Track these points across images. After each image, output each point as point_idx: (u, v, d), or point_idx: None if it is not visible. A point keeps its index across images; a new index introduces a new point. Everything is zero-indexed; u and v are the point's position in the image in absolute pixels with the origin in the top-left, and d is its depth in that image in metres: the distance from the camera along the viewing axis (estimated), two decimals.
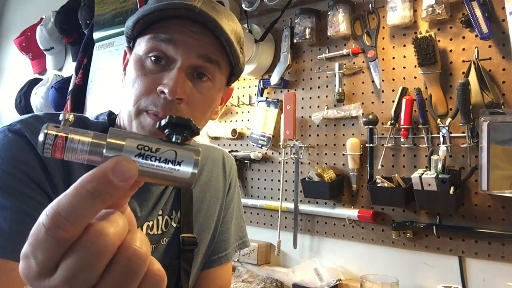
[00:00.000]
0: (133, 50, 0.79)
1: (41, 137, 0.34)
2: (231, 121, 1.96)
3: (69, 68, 2.83)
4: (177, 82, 0.72)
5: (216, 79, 0.78)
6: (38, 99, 2.78)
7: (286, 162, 1.73)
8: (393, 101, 1.46)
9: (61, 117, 0.36)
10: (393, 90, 1.49)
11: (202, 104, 0.77)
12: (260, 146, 1.79)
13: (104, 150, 0.34)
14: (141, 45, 0.76)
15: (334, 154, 1.62)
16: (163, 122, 0.37)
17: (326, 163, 1.64)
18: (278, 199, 1.73)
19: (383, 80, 1.51)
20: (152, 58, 0.74)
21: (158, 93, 0.73)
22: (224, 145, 1.95)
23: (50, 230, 0.31)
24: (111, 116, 0.84)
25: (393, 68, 1.49)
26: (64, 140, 0.34)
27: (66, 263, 0.31)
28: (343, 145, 1.57)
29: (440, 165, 1.29)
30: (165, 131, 0.37)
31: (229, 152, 1.72)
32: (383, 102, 1.51)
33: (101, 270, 0.32)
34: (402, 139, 1.42)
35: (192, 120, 0.38)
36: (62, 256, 0.32)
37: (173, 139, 0.37)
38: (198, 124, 0.80)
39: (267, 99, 1.81)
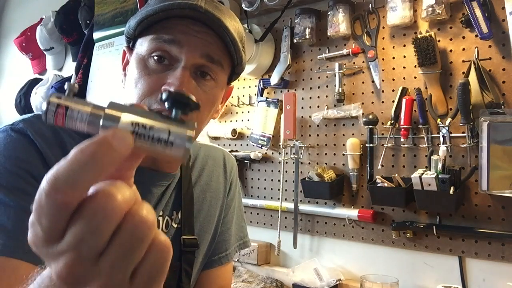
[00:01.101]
0: (134, 50, 0.78)
1: (44, 106, 0.36)
2: (231, 121, 1.96)
3: (69, 68, 2.83)
4: (183, 81, 0.72)
5: (219, 78, 0.79)
6: (38, 99, 2.77)
7: (286, 162, 1.73)
8: (393, 101, 1.46)
9: (66, 87, 0.37)
10: (393, 90, 1.49)
11: (207, 103, 0.78)
12: (260, 146, 1.79)
13: (101, 121, 0.36)
14: (143, 45, 0.76)
15: (334, 154, 1.62)
16: (164, 95, 0.39)
17: (326, 163, 1.64)
18: (278, 199, 1.73)
19: (383, 80, 1.51)
20: (155, 58, 0.74)
21: (162, 92, 0.72)
22: (224, 145, 1.95)
23: (50, 194, 0.31)
24: None
25: (393, 68, 1.49)
26: (64, 110, 0.36)
27: (73, 228, 0.31)
28: (343, 145, 1.57)
29: (440, 165, 1.29)
30: (165, 105, 0.39)
31: (229, 152, 1.72)
32: (383, 102, 1.51)
33: (109, 236, 0.32)
34: (402, 139, 1.42)
35: (191, 97, 0.39)
36: (68, 222, 0.32)
37: (173, 113, 0.38)
38: (202, 124, 0.80)
39: (267, 99, 1.81)
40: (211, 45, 0.75)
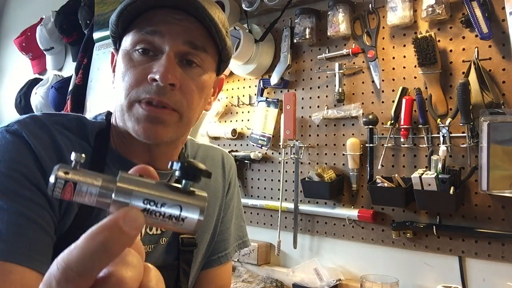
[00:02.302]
0: (120, 48, 0.79)
1: (52, 179, 0.35)
2: (231, 121, 1.96)
3: (69, 68, 2.83)
4: (168, 68, 0.72)
5: (205, 64, 0.78)
6: (38, 99, 2.77)
7: (286, 162, 1.73)
8: (393, 101, 1.46)
9: (72, 157, 0.36)
10: (393, 90, 1.49)
11: (196, 90, 0.77)
12: (260, 146, 1.79)
13: (113, 196, 0.35)
14: (127, 40, 0.77)
15: (334, 154, 1.62)
16: (175, 165, 0.37)
17: (326, 163, 1.64)
18: (278, 199, 1.73)
19: (383, 80, 1.51)
20: (140, 51, 0.74)
21: (149, 82, 0.73)
22: (224, 145, 1.95)
23: (61, 283, 0.30)
24: (109, 116, 0.84)
25: (393, 68, 1.49)
26: (73, 185, 0.35)
27: None
28: (343, 145, 1.57)
29: (440, 165, 1.29)
30: (175, 174, 0.38)
31: (229, 152, 1.72)
32: (383, 102, 1.51)
33: None
34: (402, 139, 1.42)
35: (200, 166, 0.38)
36: None
37: (183, 184, 0.37)
38: (194, 111, 0.79)
39: (267, 99, 1.81)
40: (194, 32, 0.75)
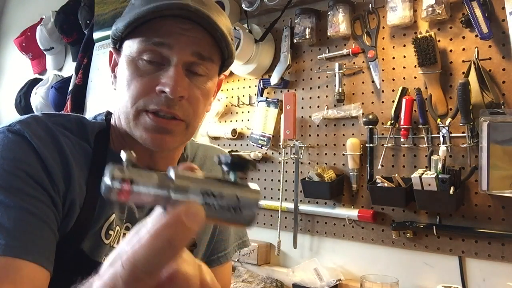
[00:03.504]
0: (122, 52, 0.78)
1: (107, 180, 0.34)
2: (231, 121, 1.96)
3: (69, 68, 2.83)
4: (177, 80, 0.72)
5: (210, 72, 0.79)
6: (38, 99, 2.77)
7: (286, 162, 1.73)
8: (393, 101, 1.46)
9: (123, 157, 0.35)
10: (393, 90, 1.49)
11: (201, 98, 0.78)
12: (260, 146, 1.79)
13: (172, 194, 0.35)
14: (132, 46, 0.76)
15: (334, 154, 1.62)
16: (223, 159, 0.38)
17: (326, 163, 1.64)
18: (278, 199, 1.73)
19: (383, 80, 1.51)
20: (146, 59, 0.74)
21: (157, 93, 0.73)
22: (224, 145, 1.95)
23: (129, 283, 0.31)
24: (109, 116, 0.84)
25: (393, 68, 1.49)
26: (130, 184, 0.34)
27: None
28: (343, 145, 1.57)
29: (440, 165, 1.29)
30: (222, 167, 0.38)
31: (229, 152, 1.72)
32: (383, 102, 1.51)
33: None
34: (402, 139, 1.42)
35: (248, 158, 0.39)
36: None
37: (232, 176, 0.38)
38: (198, 119, 0.80)
39: (267, 99, 1.81)
40: (201, 42, 0.75)
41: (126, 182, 0.34)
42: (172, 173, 0.36)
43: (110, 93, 2.20)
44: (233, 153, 1.84)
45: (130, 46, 0.76)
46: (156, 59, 0.74)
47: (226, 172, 0.38)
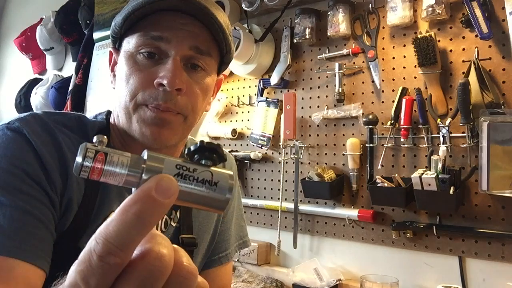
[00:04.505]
0: (122, 49, 0.79)
1: (79, 159, 0.34)
2: (231, 121, 1.96)
3: (69, 68, 2.83)
4: (175, 73, 0.72)
5: (209, 67, 0.79)
6: (38, 99, 2.77)
7: (286, 162, 1.73)
8: (393, 101, 1.46)
9: (95, 140, 0.35)
10: (393, 90, 1.49)
11: (200, 93, 0.78)
12: (260, 146, 1.79)
13: (143, 174, 0.34)
14: (131, 42, 0.76)
15: (334, 154, 1.62)
16: (192, 147, 0.38)
17: (326, 163, 1.64)
18: (278, 199, 1.73)
19: (383, 80, 1.51)
20: (145, 54, 0.74)
21: (155, 86, 0.73)
22: (224, 145, 1.95)
23: (103, 257, 0.31)
24: (109, 116, 0.84)
25: (393, 68, 1.49)
26: (104, 158, 0.34)
27: (124, 286, 0.32)
28: (343, 145, 1.57)
29: (440, 165, 1.29)
30: (195, 156, 0.38)
31: (229, 152, 1.72)
32: (383, 102, 1.51)
33: None
34: (402, 139, 1.42)
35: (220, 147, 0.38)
36: (115, 281, 0.32)
37: (203, 163, 0.37)
38: (197, 114, 0.80)
39: (267, 99, 1.81)
40: (199, 37, 0.76)
41: (98, 161, 0.34)
42: (145, 154, 0.35)
43: (110, 93, 2.20)
44: (233, 153, 1.84)
45: (129, 42, 0.77)
46: (154, 53, 0.74)
47: (198, 160, 0.38)
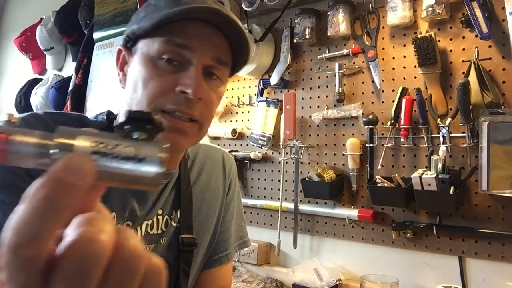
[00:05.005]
0: (138, 51, 0.78)
1: None
2: (231, 121, 1.96)
3: (69, 68, 2.83)
4: (199, 82, 0.73)
5: (224, 76, 0.81)
6: (38, 99, 2.77)
7: (286, 162, 1.73)
8: (393, 101, 1.46)
9: (3, 117, 0.31)
10: (393, 90, 1.49)
11: (215, 101, 0.80)
12: (260, 146, 1.79)
13: (51, 151, 0.30)
14: (151, 46, 0.75)
15: (334, 154, 1.62)
16: (121, 119, 0.33)
17: (326, 163, 1.64)
18: (278, 199, 1.73)
19: (383, 80, 1.51)
20: (166, 59, 0.74)
21: (177, 93, 0.73)
22: (224, 145, 1.95)
23: (15, 250, 0.27)
24: (110, 116, 0.84)
25: (393, 68, 1.49)
26: (5, 145, 0.29)
27: (58, 282, 0.27)
28: (343, 145, 1.57)
29: (440, 165, 1.29)
30: (125, 128, 0.33)
31: (229, 152, 1.72)
32: (383, 102, 1.51)
33: (99, 278, 0.28)
34: (402, 139, 1.42)
35: (152, 114, 0.34)
36: (48, 275, 0.28)
37: (134, 137, 0.33)
38: (211, 120, 0.82)
39: (267, 99, 1.81)
40: (221, 48, 0.77)
41: (1, 141, 0.29)
42: (56, 130, 0.31)
43: (110, 93, 2.20)
44: (233, 153, 1.84)
45: (148, 46, 0.76)
46: (176, 60, 0.74)
47: (129, 132, 0.32)
